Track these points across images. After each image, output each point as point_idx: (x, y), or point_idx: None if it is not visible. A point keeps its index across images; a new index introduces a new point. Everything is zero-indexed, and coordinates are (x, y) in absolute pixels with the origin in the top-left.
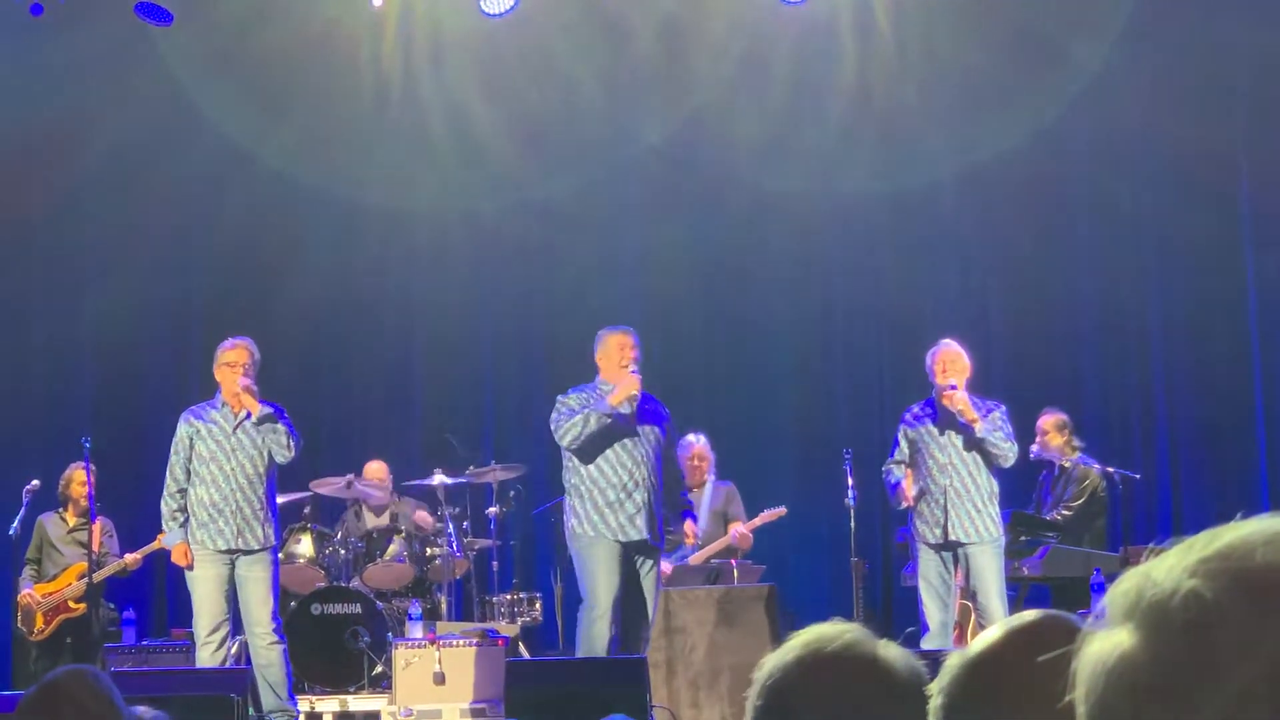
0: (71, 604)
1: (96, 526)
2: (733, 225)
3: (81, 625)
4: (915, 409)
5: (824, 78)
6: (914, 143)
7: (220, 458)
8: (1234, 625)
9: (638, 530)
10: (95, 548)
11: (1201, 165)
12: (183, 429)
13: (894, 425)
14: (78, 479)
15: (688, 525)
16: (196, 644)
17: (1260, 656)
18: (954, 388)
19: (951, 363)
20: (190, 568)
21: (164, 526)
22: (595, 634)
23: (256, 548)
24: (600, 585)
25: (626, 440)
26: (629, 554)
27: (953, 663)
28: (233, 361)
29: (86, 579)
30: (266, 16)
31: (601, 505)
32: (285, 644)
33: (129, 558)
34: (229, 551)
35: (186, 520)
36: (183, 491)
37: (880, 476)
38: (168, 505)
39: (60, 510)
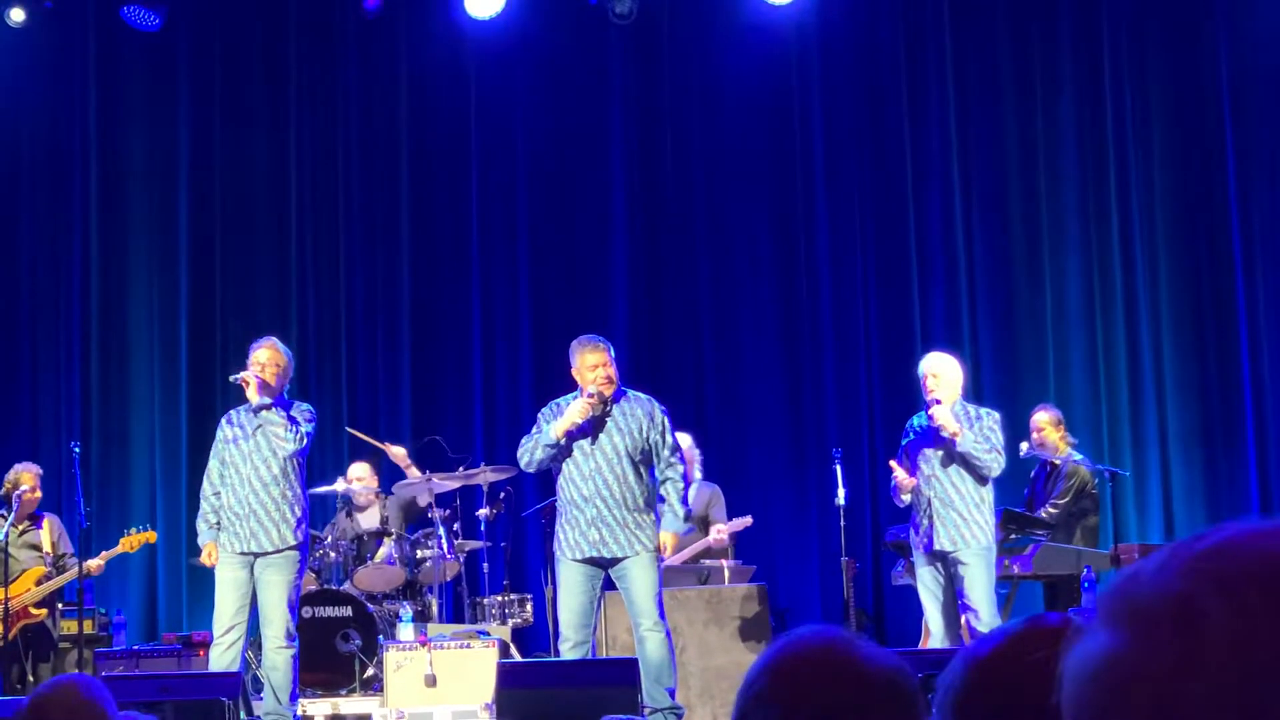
0: (32, 610)
1: (45, 527)
2: (720, 225)
3: (40, 632)
4: (914, 419)
5: (810, 80)
6: (899, 145)
7: (238, 460)
8: (1220, 627)
9: (590, 545)
10: (50, 550)
11: (1191, 162)
12: (219, 432)
13: (882, 425)
14: (25, 482)
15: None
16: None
17: (1247, 658)
18: (938, 403)
19: (934, 375)
20: (212, 568)
21: (197, 526)
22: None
23: (271, 549)
24: (563, 606)
25: (579, 455)
26: (592, 570)
27: (957, 662)
28: (253, 361)
29: (43, 582)
30: (256, 21)
31: (565, 522)
32: (296, 649)
33: (91, 563)
34: (245, 554)
35: (219, 521)
36: (218, 494)
37: (871, 477)
38: (201, 507)
39: (2, 513)
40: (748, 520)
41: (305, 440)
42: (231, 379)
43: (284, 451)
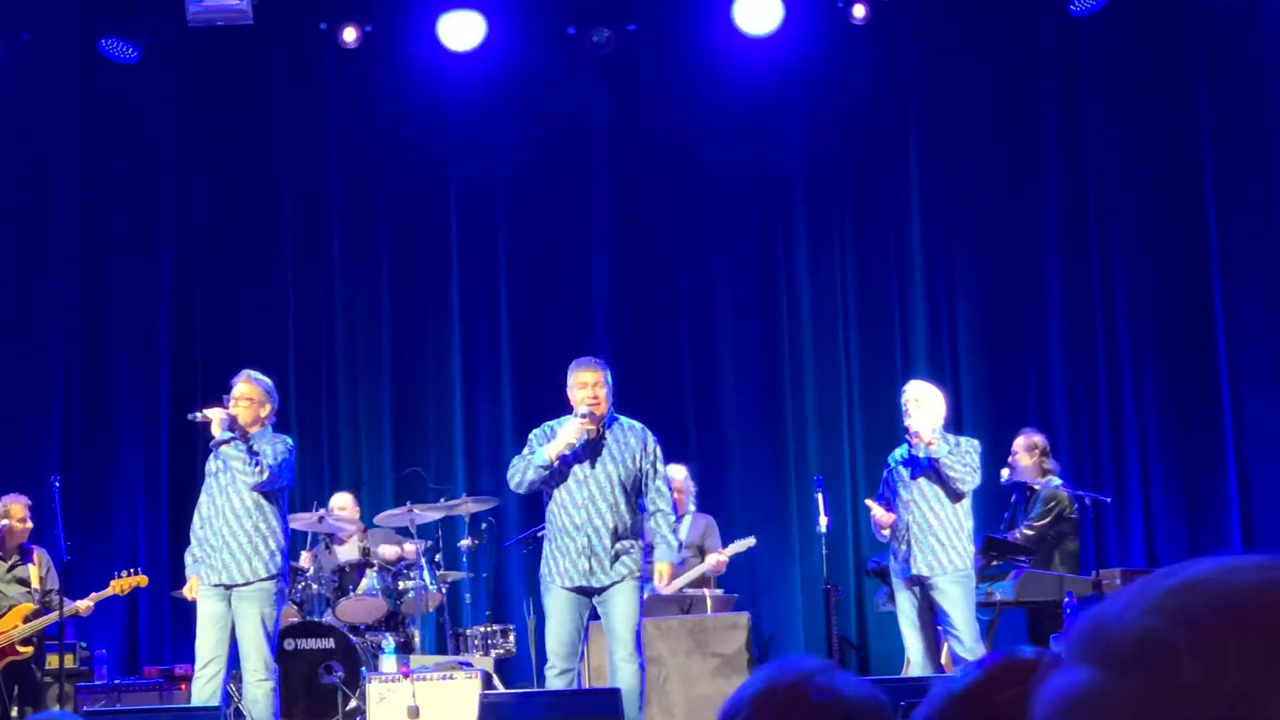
0: (19, 647)
1: (35, 562)
2: (701, 255)
3: (25, 670)
4: (894, 452)
5: (789, 107)
6: (879, 172)
7: (215, 493)
8: (1189, 664)
9: (580, 574)
10: (37, 585)
11: (1171, 185)
12: (207, 466)
13: (863, 452)
14: (14, 514)
15: (657, 566)
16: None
17: (1216, 695)
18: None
19: (915, 400)
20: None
21: (185, 559)
22: (551, 686)
23: (241, 581)
24: (551, 633)
25: (573, 482)
26: (580, 599)
27: (935, 694)
28: (233, 395)
29: (31, 619)
30: (234, 53)
31: (555, 549)
32: (276, 682)
33: (80, 604)
34: (218, 586)
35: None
36: (204, 528)
37: (853, 505)
38: (190, 540)
39: None
40: (751, 541)
41: (267, 473)
42: (189, 417)
43: (245, 483)
